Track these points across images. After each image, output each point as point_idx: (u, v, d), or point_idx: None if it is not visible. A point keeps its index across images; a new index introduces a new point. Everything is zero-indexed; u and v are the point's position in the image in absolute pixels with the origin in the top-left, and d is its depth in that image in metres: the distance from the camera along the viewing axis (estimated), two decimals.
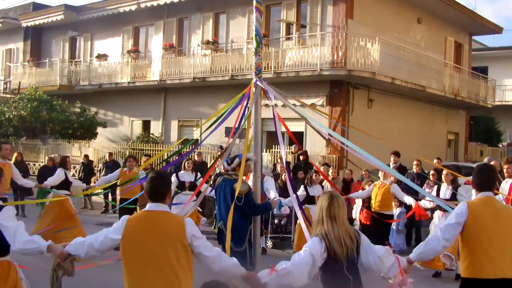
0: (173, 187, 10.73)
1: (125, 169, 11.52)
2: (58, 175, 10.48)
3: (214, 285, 3.51)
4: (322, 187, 10.96)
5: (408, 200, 9.83)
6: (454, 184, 9.22)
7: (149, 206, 3.89)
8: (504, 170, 8.78)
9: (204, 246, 3.84)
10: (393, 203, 10.90)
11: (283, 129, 7.43)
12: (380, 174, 10.55)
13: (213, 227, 14.42)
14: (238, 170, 6.68)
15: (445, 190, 9.20)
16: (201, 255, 3.83)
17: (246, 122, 6.54)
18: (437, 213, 9.48)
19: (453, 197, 8.93)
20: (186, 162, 11.18)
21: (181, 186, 10.94)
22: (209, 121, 7.17)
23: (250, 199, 6.49)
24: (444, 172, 9.32)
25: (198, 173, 11.37)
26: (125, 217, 3.84)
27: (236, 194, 6.39)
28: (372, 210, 10.57)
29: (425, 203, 9.65)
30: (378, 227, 10.36)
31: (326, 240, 3.90)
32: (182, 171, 11.22)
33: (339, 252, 3.88)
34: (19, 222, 4.19)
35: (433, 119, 22.16)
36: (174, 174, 11.13)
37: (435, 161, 12.64)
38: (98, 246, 3.85)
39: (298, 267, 3.84)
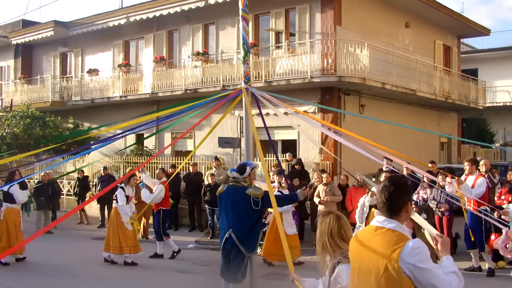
0: None
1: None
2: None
3: None
4: None
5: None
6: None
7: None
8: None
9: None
10: None
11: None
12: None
13: (209, 237, 14.50)
14: (250, 178, 6.85)
15: None
16: None
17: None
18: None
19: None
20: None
21: None
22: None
23: (268, 197, 6.48)
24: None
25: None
26: None
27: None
28: None
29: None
30: None
31: None
32: None
33: None
34: None
35: (425, 122, 22.23)
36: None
37: (429, 165, 12.76)
38: None
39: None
